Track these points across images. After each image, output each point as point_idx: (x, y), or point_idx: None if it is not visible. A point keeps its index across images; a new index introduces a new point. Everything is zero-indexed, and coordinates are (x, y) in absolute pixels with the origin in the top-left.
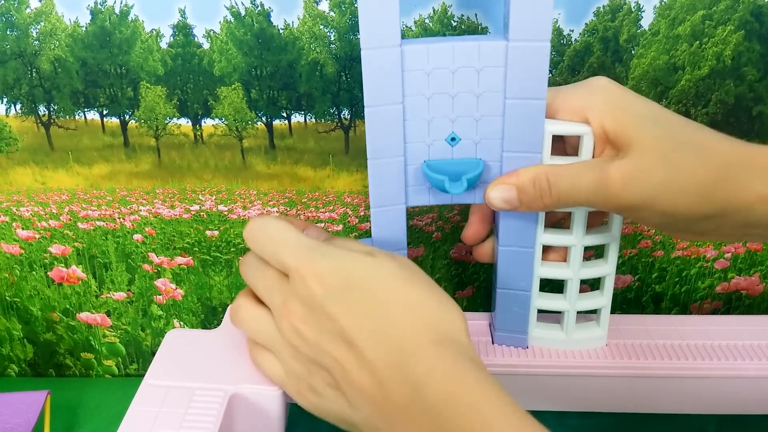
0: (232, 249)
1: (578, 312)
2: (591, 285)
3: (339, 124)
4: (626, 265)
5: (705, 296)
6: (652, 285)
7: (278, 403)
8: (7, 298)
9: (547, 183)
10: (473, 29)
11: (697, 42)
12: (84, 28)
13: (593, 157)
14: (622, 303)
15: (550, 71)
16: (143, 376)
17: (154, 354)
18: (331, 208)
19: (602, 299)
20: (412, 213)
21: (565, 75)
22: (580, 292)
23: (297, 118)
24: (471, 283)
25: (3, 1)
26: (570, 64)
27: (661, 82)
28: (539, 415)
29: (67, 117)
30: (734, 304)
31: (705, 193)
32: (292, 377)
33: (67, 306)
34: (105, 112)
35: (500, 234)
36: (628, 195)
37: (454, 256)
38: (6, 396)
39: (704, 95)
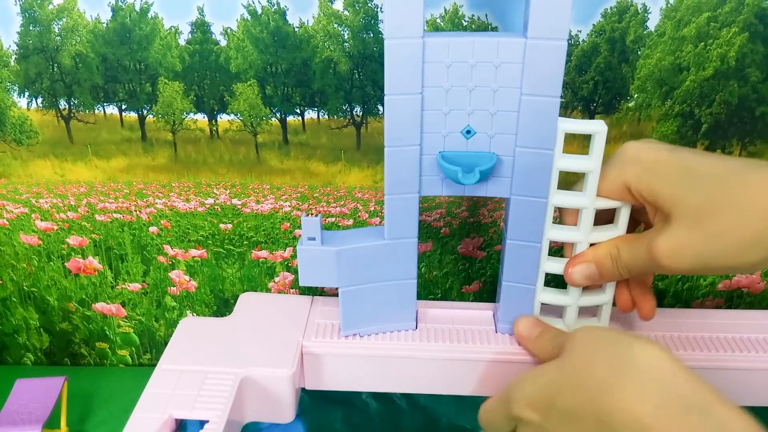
0: (245, 242)
1: (580, 308)
2: None
3: (351, 121)
4: None
5: (707, 293)
6: (655, 282)
7: (288, 386)
8: (25, 288)
9: (618, 255)
10: (483, 29)
11: (702, 43)
12: (105, 25)
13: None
14: None
15: None
16: (156, 365)
17: (167, 344)
18: (342, 203)
19: (604, 296)
20: (421, 209)
21: (572, 75)
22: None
23: (310, 114)
24: (478, 278)
25: None
26: (577, 63)
27: (667, 83)
28: None
29: (87, 111)
30: (735, 301)
31: (752, 246)
32: None
33: (83, 296)
34: (124, 107)
35: (509, 228)
36: (675, 266)
37: (462, 251)
38: (25, 381)
39: (708, 96)
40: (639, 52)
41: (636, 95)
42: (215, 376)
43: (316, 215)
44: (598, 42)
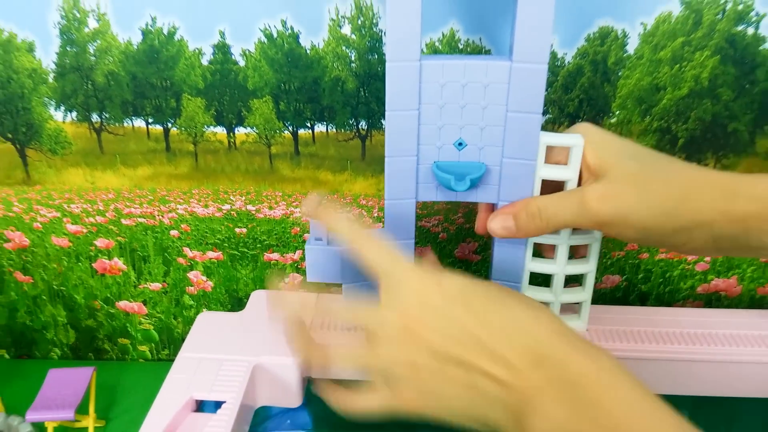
0: (258, 245)
1: (562, 303)
2: (576, 280)
3: (357, 134)
4: (614, 267)
5: (687, 296)
6: (638, 285)
7: (295, 374)
8: (54, 286)
9: (537, 210)
10: (477, 51)
11: (677, 65)
12: (135, 46)
13: (580, 175)
14: (611, 301)
15: (546, 89)
16: (174, 361)
17: (184, 340)
18: (348, 209)
19: (584, 294)
20: (420, 215)
21: (559, 93)
22: (565, 286)
23: (320, 128)
24: None
25: (65, 21)
26: (564, 83)
27: (645, 101)
28: None
29: (117, 124)
30: (714, 304)
31: (671, 211)
32: (416, 393)
33: (108, 295)
34: (150, 120)
35: None
36: (603, 212)
37: (458, 255)
38: (57, 371)
39: (684, 113)
40: (620, 73)
41: (617, 112)
42: (230, 363)
43: None
44: (583, 64)
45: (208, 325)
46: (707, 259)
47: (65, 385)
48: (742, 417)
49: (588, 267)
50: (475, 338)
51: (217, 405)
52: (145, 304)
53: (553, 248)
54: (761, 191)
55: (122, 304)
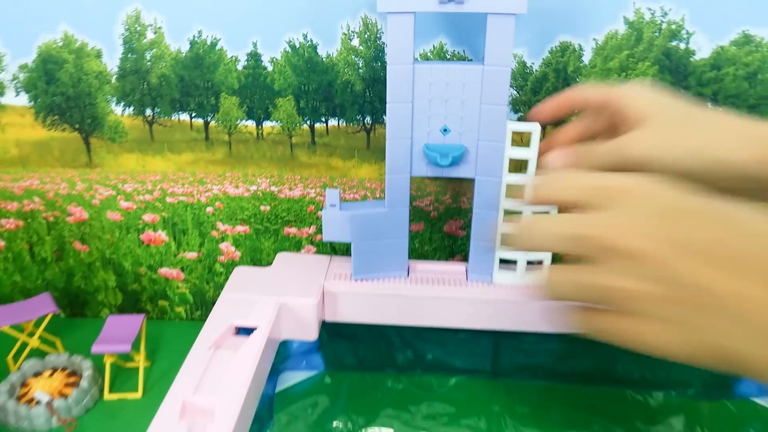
0: (279, 221)
1: (528, 262)
2: None
3: (363, 128)
4: None
5: None
6: None
7: (313, 312)
8: (107, 255)
9: (584, 149)
10: (461, 59)
11: (624, 73)
12: (184, 54)
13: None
14: None
15: (518, 92)
16: (205, 321)
17: (215, 303)
18: (355, 190)
19: (545, 253)
20: (414, 196)
21: (528, 95)
22: None
23: (332, 122)
24: (459, 252)
25: (128, 33)
26: (532, 87)
27: None
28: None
29: (166, 117)
30: None
31: (697, 151)
32: (664, 325)
33: (152, 262)
34: (193, 115)
35: (475, 201)
36: (633, 153)
37: (447, 230)
38: (115, 317)
39: None
40: (578, 80)
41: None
42: (261, 301)
43: (336, 188)
44: (547, 71)
45: (243, 275)
46: None
47: (121, 327)
48: None
49: None
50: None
51: (251, 332)
52: (182, 271)
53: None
54: None
55: (163, 270)
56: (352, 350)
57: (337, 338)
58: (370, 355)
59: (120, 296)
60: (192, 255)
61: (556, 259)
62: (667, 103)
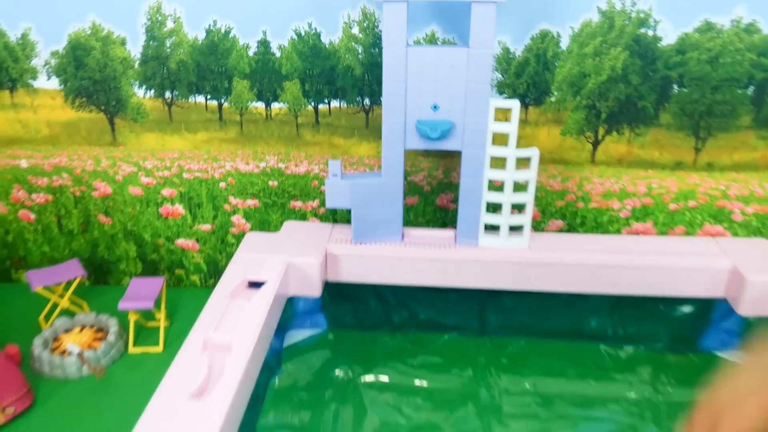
0: (286, 195)
1: (510, 228)
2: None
3: (362, 108)
4: (557, 213)
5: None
6: (576, 228)
7: (317, 271)
8: (128, 227)
9: None
10: (450, 44)
11: (598, 58)
12: (200, 41)
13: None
14: None
15: (503, 75)
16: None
17: (224, 271)
18: (355, 167)
19: (525, 218)
20: (409, 171)
21: (512, 79)
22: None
23: (334, 103)
24: (450, 224)
25: (150, 23)
26: (515, 71)
27: (576, 85)
28: (487, 297)
29: (183, 100)
30: None
31: None
32: None
33: (169, 234)
34: (209, 97)
35: (462, 172)
36: None
37: (439, 204)
38: (137, 279)
39: (605, 94)
40: (556, 64)
41: (556, 93)
42: (271, 260)
43: (338, 159)
44: (529, 57)
45: (254, 239)
46: (628, 208)
47: (144, 287)
48: (648, 312)
49: (527, 197)
50: None
51: (262, 285)
52: (197, 242)
53: (502, 181)
54: None
55: (180, 241)
56: (352, 311)
57: (339, 300)
58: (369, 315)
59: (140, 265)
60: (206, 227)
61: (540, 211)
62: None
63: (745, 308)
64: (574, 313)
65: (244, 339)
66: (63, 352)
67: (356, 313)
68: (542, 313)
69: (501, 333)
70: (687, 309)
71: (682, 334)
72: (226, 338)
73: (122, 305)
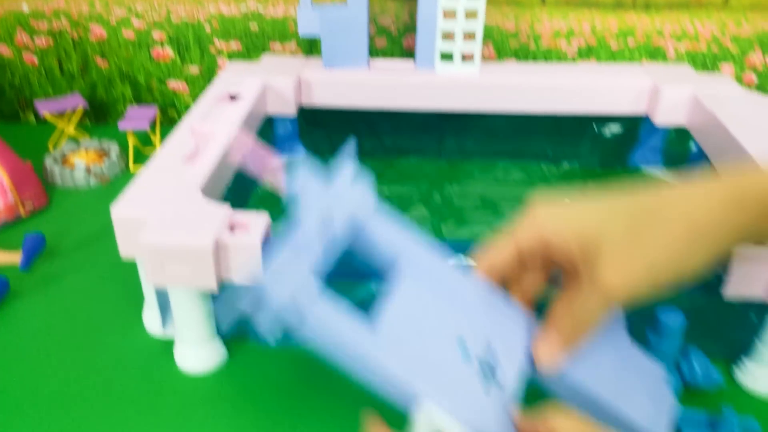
0: (266, 37)
1: (463, 57)
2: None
3: None
4: (512, 53)
5: None
6: None
7: (291, 92)
8: (123, 70)
9: (573, 315)
10: None
11: None
12: None
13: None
14: None
15: None
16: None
17: None
18: None
19: (475, 45)
20: (378, 13)
21: None
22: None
23: None
24: None
25: None
26: None
27: None
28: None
29: None
30: None
31: (693, 244)
32: None
33: (161, 76)
34: None
35: (419, 2)
36: (631, 289)
37: (405, 46)
38: (133, 107)
39: None
40: None
41: None
42: (250, 82)
43: None
44: None
45: (234, 66)
46: (574, 48)
47: (140, 114)
48: (583, 133)
49: (477, 25)
50: None
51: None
52: (187, 83)
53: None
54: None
55: (171, 83)
56: (326, 137)
57: (314, 127)
58: (341, 142)
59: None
60: (195, 69)
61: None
62: (608, 210)
63: (660, 118)
64: (518, 137)
65: (225, 130)
66: (72, 167)
67: (330, 140)
68: (493, 138)
69: (458, 156)
70: (616, 129)
71: (612, 151)
72: (210, 129)
73: (122, 125)
